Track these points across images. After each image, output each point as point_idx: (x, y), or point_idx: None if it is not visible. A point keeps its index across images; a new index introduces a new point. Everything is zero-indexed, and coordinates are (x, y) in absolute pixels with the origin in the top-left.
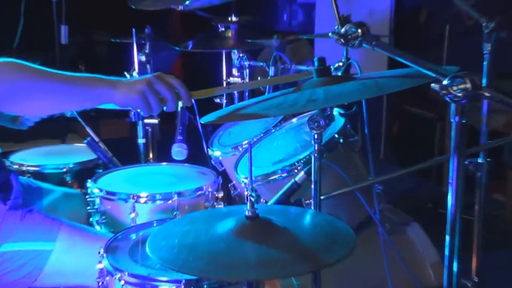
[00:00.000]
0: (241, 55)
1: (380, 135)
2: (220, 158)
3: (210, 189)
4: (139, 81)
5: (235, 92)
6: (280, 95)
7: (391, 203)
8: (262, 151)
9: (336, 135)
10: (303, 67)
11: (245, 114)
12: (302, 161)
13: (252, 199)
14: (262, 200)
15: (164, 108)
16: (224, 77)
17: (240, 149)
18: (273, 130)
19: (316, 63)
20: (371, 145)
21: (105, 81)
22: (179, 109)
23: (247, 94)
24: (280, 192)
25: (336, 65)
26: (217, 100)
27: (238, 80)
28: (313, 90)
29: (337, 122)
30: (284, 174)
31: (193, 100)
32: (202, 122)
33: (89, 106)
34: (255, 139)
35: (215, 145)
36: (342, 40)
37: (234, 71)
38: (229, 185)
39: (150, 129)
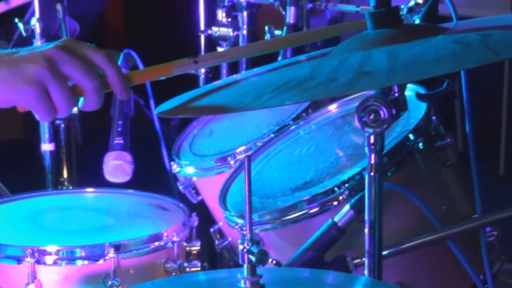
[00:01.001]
0: None
1: (495, 135)
2: (195, 179)
3: (175, 238)
4: (32, 58)
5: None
6: (303, 61)
7: None
8: (273, 166)
9: (412, 136)
10: (351, 7)
11: (232, 105)
12: (346, 185)
13: (253, 259)
14: (271, 260)
15: (79, 105)
16: (202, 27)
17: (232, 162)
18: (292, 127)
19: (372, 1)
20: (479, 154)
21: None
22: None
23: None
24: (307, 243)
25: (412, 3)
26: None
27: (228, 31)
28: (367, 54)
29: (413, 111)
30: (314, 210)
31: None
32: (159, 114)
33: None
34: (258, 144)
35: (185, 154)
36: None
37: (220, 15)
38: (211, 230)
39: (63, 126)
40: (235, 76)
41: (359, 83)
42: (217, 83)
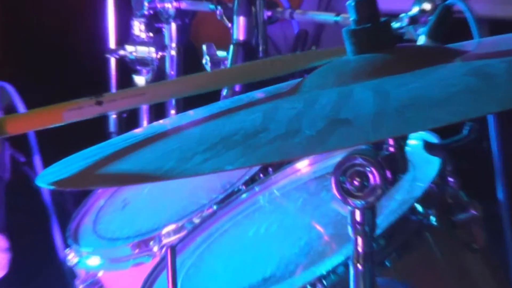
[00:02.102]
0: None
1: None
2: (101, 274)
3: None
4: None
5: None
6: (256, 101)
7: None
8: (216, 255)
9: (419, 207)
10: (327, 16)
11: (148, 171)
12: (324, 283)
13: None
14: None
15: None
16: (111, 45)
17: (155, 249)
18: (244, 195)
19: (352, 8)
20: None
21: None
22: None
23: None
24: None
25: (415, 10)
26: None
27: (149, 52)
28: (345, 92)
29: (421, 170)
30: None
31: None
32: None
33: None
34: (195, 220)
35: (87, 237)
36: None
37: (137, 29)
38: None
39: None
40: (155, 124)
41: (332, 138)
42: (127, 136)
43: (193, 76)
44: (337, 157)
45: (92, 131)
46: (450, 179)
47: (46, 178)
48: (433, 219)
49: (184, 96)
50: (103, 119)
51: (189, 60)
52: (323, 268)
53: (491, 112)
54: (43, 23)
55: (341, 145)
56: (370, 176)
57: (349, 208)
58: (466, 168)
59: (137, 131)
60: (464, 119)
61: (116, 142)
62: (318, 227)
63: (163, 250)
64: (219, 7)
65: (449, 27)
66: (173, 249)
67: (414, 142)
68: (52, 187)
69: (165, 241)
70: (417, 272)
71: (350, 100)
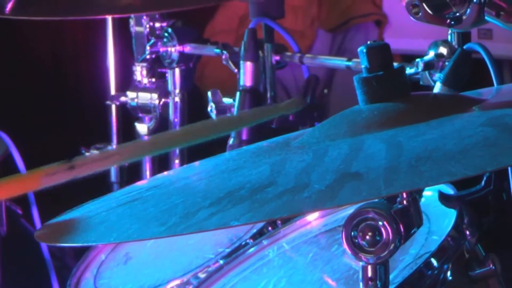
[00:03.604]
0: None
1: None
2: None
3: None
4: None
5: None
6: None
7: None
8: None
9: (435, 262)
10: (338, 60)
11: (149, 228)
12: None
13: None
14: None
15: None
16: (112, 92)
17: None
18: (252, 249)
19: (363, 55)
20: None
21: None
22: None
23: None
24: None
25: (430, 55)
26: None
27: (152, 99)
28: (356, 143)
29: (437, 223)
30: None
31: None
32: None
33: None
34: (200, 276)
35: None
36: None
37: (139, 74)
38: None
39: None
40: (160, 176)
41: (342, 192)
42: (128, 190)
43: (155, 137)
44: (348, 209)
45: (93, 181)
46: (467, 232)
47: (44, 233)
48: (449, 274)
49: (156, 154)
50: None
51: (193, 103)
52: None
53: (509, 165)
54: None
55: (351, 200)
56: (383, 230)
57: (361, 263)
58: (484, 220)
59: (140, 183)
60: (481, 172)
61: (118, 195)
62: (329, 282)
63: None
64: (224, 52)
65: (467, 73)
66: None
67: (429, 193)
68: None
69: None
70: None
71: (362, 152)
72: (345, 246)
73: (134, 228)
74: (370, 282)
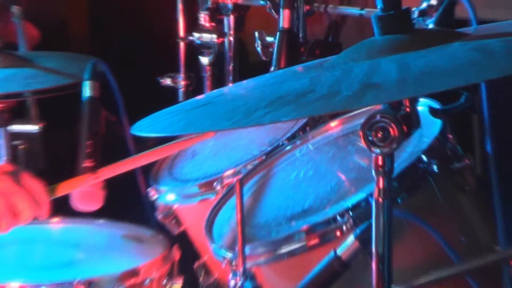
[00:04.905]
0: None
1: None
2: (175, 207)
3: (153, 274)
4: None
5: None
6: (302, 70)
7: None
8: (266, 192)
9: (425, 157)
10: (354, 10)
11: (221, 122)
12: (351, 213)
13: None
14: None
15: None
16: (181, 33)
17: (218, 187)
18: (287, 147)
19: (379, 3)
20: (501, 177)
21: None
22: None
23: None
24: (306, 280)
25: (424, 5)
26: (167, 82)
27: (212, 38)
28: (373, 64)
29: (427, 129)
30: (313, 242)
31: None
32: (135, 133)
33: None
34: (248, 167)
35: (164, 179)
36: None
37: (203, 19)
38: (195, 265)
39: (22, 147)
40: (222, 90)
41: (365, 97)
42: (200, 97)
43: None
44: (359, 120)
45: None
46: (449, 136)
47: (139, 128)
48: (435, 167)
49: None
50: (174, 91)
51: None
52: (349, 202)
53: (490, 78)
54: (128, 16)
55: (372, 103)
56: (391, 130)
57: (373, 155)
58: (462, 128)
59: (199, 97)
60: (468, 84)
61: (191, 102)
62: (344, 174)
63: (225, 188)
64: (268, 2)
65: (451, 18)
66: (241, 181)
67: (421, 108)
68: (150, 134)
69: (225, 182)
70: (422, 207)
71: (378, 69)
72: (362, 142)
73: (207, 123)
74: (380, 169)
